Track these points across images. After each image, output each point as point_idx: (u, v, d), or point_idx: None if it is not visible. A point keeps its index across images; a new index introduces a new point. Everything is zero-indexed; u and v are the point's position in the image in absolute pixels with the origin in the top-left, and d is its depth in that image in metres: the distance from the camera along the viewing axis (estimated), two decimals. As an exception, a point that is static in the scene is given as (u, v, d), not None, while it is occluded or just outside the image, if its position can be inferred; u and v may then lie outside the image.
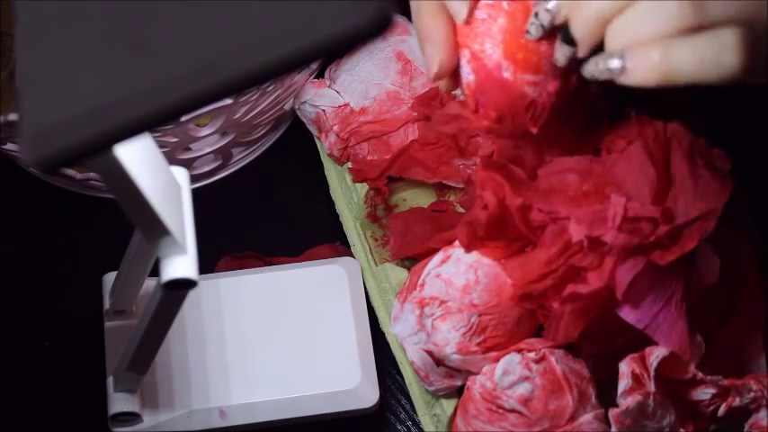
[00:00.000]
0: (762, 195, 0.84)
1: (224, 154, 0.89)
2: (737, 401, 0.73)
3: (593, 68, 0.62)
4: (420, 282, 0.75)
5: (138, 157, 0.61)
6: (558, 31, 0.65)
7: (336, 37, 0.49)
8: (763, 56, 0.60)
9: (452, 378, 0.76)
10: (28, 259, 0.88)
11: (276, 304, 0.82)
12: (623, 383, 0.71)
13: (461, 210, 0.84)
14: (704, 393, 0.73)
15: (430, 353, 0.75)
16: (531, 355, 0.73)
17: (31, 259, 0.88)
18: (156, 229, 0.63)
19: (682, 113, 0.75)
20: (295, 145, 0.91)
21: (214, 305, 0.82)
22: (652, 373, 0.71)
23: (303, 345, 0.81)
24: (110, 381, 0.77)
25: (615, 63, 0.61)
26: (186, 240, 0.66)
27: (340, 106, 0.86)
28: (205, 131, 0.84)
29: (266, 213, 0.90)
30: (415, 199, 0.86)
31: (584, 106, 0.75)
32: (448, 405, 0.78)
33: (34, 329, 0.86)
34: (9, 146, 0.82)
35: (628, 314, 0.71)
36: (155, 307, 0.68)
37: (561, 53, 0.66)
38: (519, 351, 0.74)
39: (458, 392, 0.77)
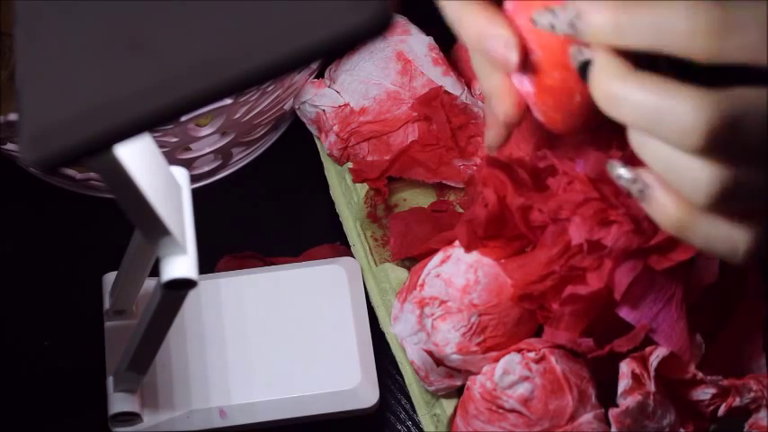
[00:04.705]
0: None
1: (224, 154, 0.89)
2: (737, 401, 0.73)
3: (614, 175, 0.59)
4: (420, 282, 0.75)
5: (138, 157, 0.61)
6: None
7: (336, 37, 0.49)
8: None
9: (452, 378, 0.76)
10: (28, 259, 0.88)
11: (276, 304, 0.82)
12: (623, 383, 0.71)
13: (461, 210, 0.84)
14: (704, 393, 0.73)
15: (430, 353, 0.75)
16: (531, 355, 0.73)
17: (31, 259, 0.88)
18: (156, 229, 0.63)
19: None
20: (295, 145, 0.91)
21: (214, 305, 0.82)
22: (652, 373, 0.71)
23: (303, 345, 0.81)
24: (110, 381, 0.77)
25: (635, 190, 0.58)
26: (186, 240, 0.66)
27: (340, 106, 0.86)
28: (205, 131, 0.84)
29: (266, 213, 0.90)
30: (415, 199, 0.86)
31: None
32: (448, 405, 0.78)
33: (34, 329, 0.86)
34: (9, 146, 0.82)
35: (628, 314, 0.72)
36: (155, 307, 0.68)
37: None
38: (519, 351, 0.74)
39: (458, 392, 0.77)
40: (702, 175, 0.55)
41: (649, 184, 0.57)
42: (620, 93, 0.55)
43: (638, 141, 0.57)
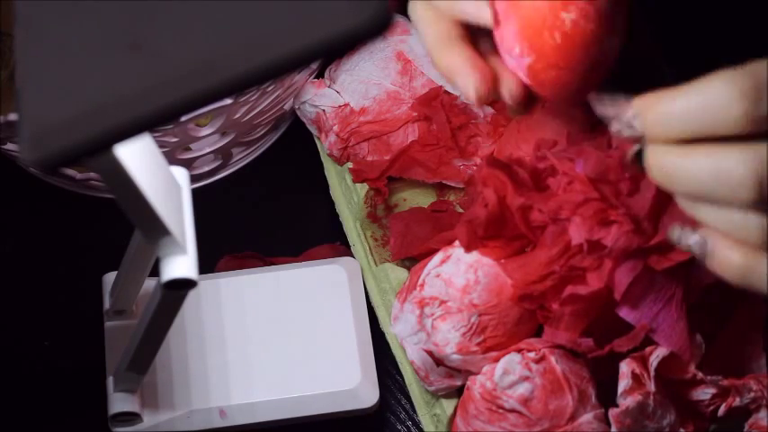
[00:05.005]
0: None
1: (224, 154, 0.89)
2: (737, 401, 0.73)
3: (674, 238, 0.60)
4: (420, 282, 0.75)
5: (138, 157, 0.61)
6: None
7: (336, 37, 0.49)
8: None
9: (452, 378, 0.76)
10: (28, 259, 0.88)
11: (276, 304, 0.82)
12: (623, 383, 0.71)
13: (461, 210, 0.84)
14: (704, 393, 0.73)
15: (430, 353, 0.75)
16: (531, 355, 0.73)
17: (31, 259, 0.88)
18: (156, 229, 0.63)
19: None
20: (295, 145, 0.91)
21: (214, 305, 0.82)
22: (652, 373, 0.71)
23: (303, 345, 0.81)
24: (110, 381, 0.77)
25: (696, 247, 0.59)
26: (186, 240, 0.66)
27: (340, 106, 0.86)
28: (205, 131, 0.84)
29: (266, 213, 0.90)
30: (415, 199, 0.86)
31: (585, 106, 0.75)
32: (448, 405, 0.78)
33: (34, 329, 0.86)
34: (9, 146, 0.82)
35: (628, 314, 0.71)
36: (155, 307, 0.68)
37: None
38: (519, 351, 0.74)
39: (458, 392, 0.77)
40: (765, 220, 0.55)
41: (709, 238, 0.58)
42: (677, 166, 0.57)
43: (690, 206, 0.58)
